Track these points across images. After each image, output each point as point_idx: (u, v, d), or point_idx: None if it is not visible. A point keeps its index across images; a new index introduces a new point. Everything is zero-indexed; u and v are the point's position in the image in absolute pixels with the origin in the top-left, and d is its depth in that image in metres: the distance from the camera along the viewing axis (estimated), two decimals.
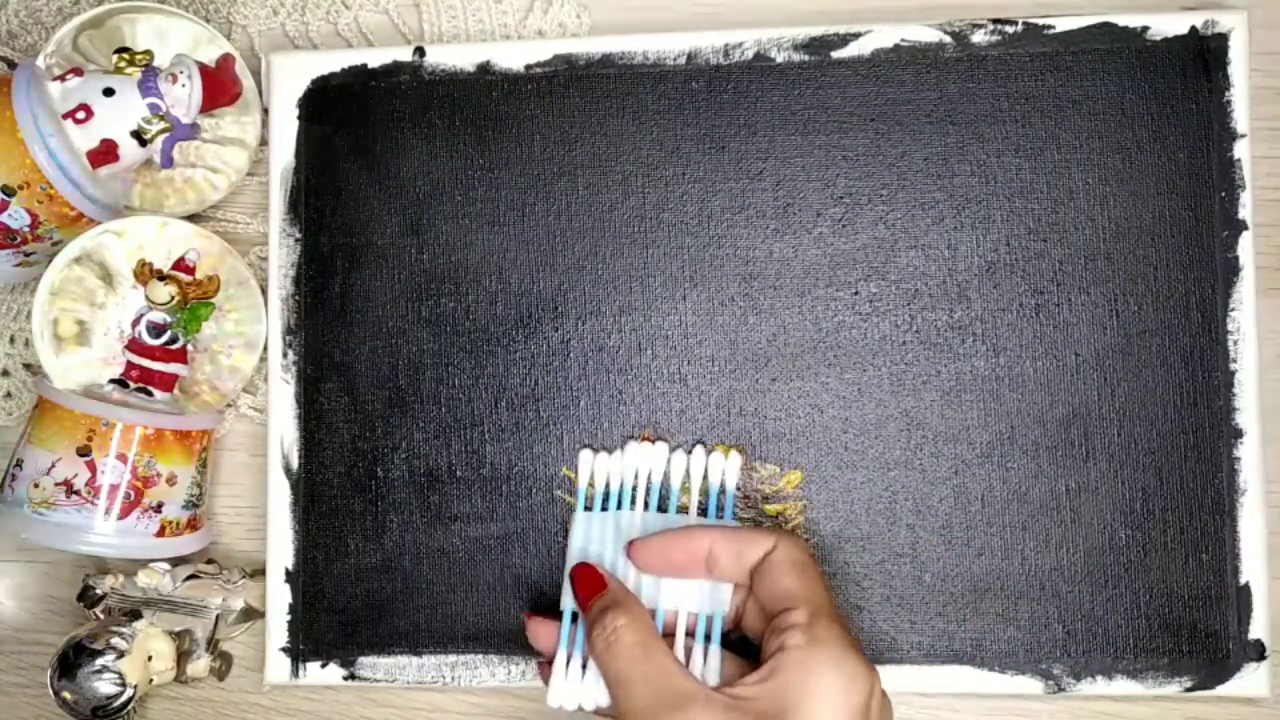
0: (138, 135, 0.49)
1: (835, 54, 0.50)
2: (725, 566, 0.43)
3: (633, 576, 0.45)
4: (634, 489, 0.48)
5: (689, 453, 0.48)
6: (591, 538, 0.47)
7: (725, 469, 0.48)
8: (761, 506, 0.49)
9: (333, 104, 0.52)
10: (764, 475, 0.49)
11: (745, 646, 0.44)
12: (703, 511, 0.47)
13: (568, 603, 0.45)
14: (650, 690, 0.39)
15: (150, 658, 0.50)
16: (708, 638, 0.43)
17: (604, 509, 0.48)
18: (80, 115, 0.48)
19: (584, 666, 0.44)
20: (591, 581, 0.44)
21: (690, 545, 0.43)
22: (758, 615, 0.43)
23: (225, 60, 0.52)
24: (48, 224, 0.49)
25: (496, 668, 0.50)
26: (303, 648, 0.51)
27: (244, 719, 0.54)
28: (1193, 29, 0.48)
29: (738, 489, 0.48)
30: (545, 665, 0.46)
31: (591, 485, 0.49)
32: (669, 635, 0.43)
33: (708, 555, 0.43)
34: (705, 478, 0.48)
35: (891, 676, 0.48)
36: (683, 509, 0.48)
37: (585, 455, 0.49)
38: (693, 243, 0.50)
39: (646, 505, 0.47)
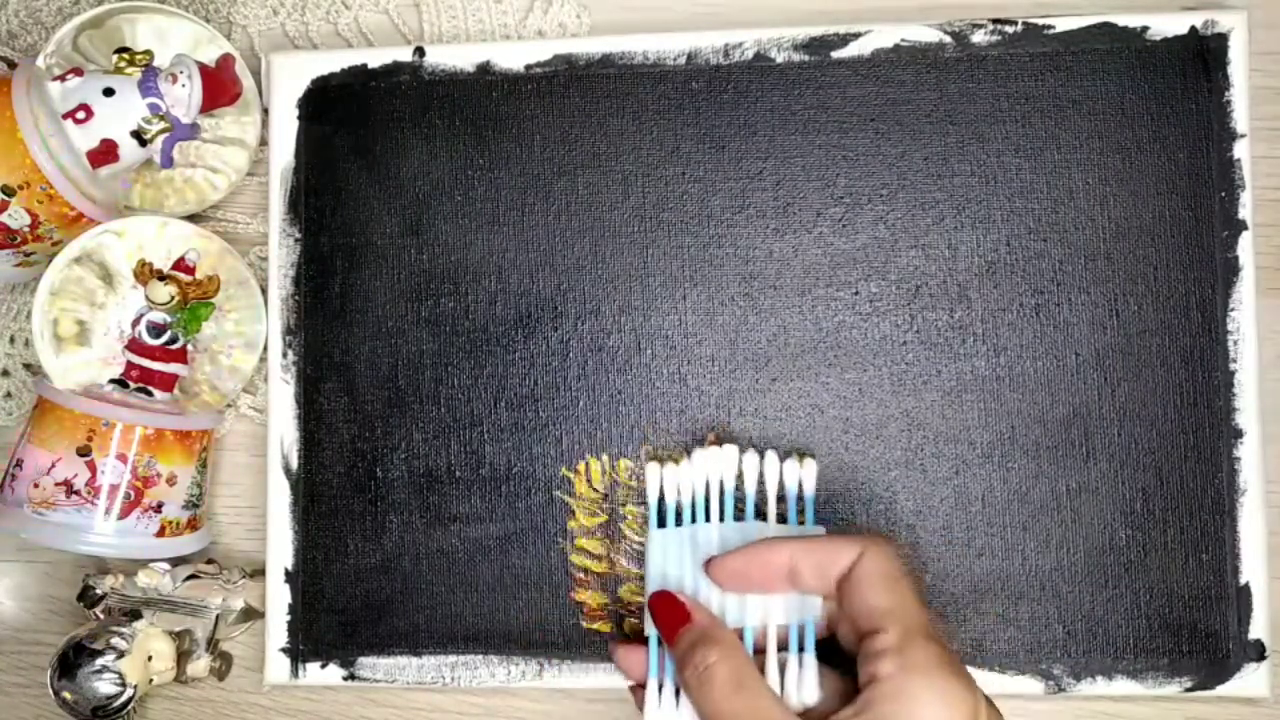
0: (138, 135, 0.49)
1: (835, 54, 0.50)
2: (809, 580, 0.41)
3: (716, 596, 0.43)
4: (707, 499, 0.45)
5: (761, 455, 0.46)
6: (669, 557, 0.44)
7: (802, 474, 0.45)
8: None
9: (333, 104, 0.52)
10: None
11: (841, 654, 0.42)
12: (781, 518, 0.45)
13: (653, 628, 0.43)
14: None
15: (150, 658, 0.50)
16: (801, 648, 0.41)
17: (678, 523, 0.45)
18: (80, 115, 0.48)
19: (677, 694, 0.42)
20: (674, 612, 0.42)
21: (770, 560, 0.41)
22: (850, 628, 0.40)
23: (225, 60, 0.52)
24: (48, 224, 0.49)
25: (496, 668, 0.50)
26: (302, 648, 0.51)
27: (244, 719, 0.54)
28: (1192, 29, 0.48)
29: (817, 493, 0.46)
30: (637, 689, 0.44)
31: (662, 499, 0.46)
32: (759, 652, 0.42)
33: (789, 569, 0.41)
34: (781, 482, 0.45)
35: None
36: (760, 515, 0.45)
37: (653, 469, 0.46)
38: (693, 242, 0.50)
39: (722, 515, 0.45)
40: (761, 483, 0.46)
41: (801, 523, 0.45)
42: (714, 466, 0.46)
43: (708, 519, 0.45)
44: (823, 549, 0.40)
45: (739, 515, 0.45)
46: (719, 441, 0.48)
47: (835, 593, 0.40)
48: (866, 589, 0.39)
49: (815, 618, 0.42)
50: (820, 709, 0.40)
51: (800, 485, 0.45)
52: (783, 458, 0.46)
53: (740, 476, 0.46)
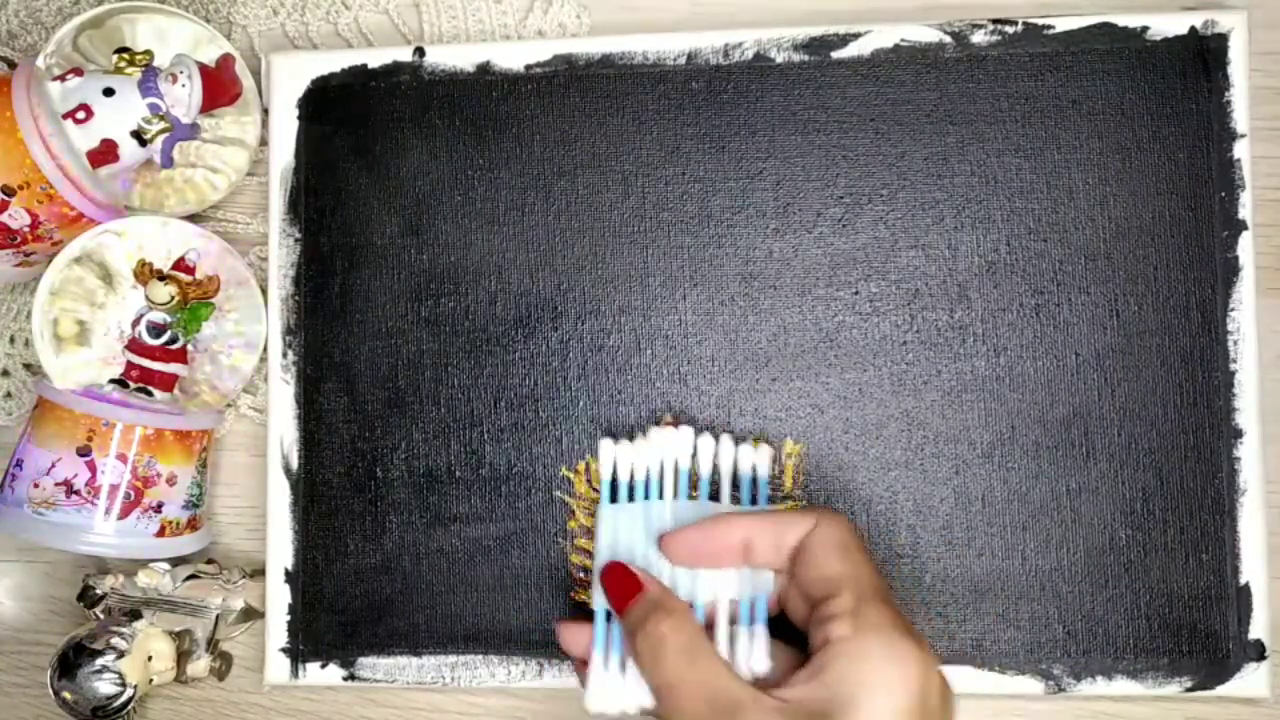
0: (138, 135, 0.49)
1: (835, 54, 0.50)
2: (763, 554, 0.41)
3: (667, 570, 0.43)
4: (661, 477, 0.46)
5: (716, 438, 0.46)
6: (620, 532, 0.44)
7: (756, 459, 0.46)
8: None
9: (333, 104, 0.52)
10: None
11: (790, 629, 0.42)
12: (736, 501, 0.46)
13: (600, 602, 0.43)
14: (699, 697, 0.37)
15: (150, 658, 0.50)
16: (751, 621, 0.41)
17: (631, 499, 0.45)
18: (80, 115, 0.48)
19: (622, 666, 0.42)
20: (626, 583, 0.42)
21: (725, 535, 0.41)
22: (801, 601, 0.40)
23: (225, 60, 0.52)
24: (48, 224, 0.49)
25: (496, 668, 0.50)
26: (302, 648, 0.51)
27: (244, 719, 0.54)
28: (1192, 29, 0.48)
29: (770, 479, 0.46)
30: (582, 664, 0.44)
31: (615, 475, 0.46)
32: (710, 626, 0.42)
33: (743, 544, 0.41)
34: (735, 464, 0.46)
35: None
36: (714, 497, 0.46)
37: (606, 444, 0.46)
38: (692, 242, 0.50)
39: (676, 493, 0.45)
40: (716, 465, 0.46)
41: (755, 504, 0.45)
42: (669, 446, 0.46)
43: (661, 497, 0.45)
44: (777, 522, 0.41)
45: (693, 495, 0.46)
46: (675, 423, 0.48)
47: (789, 565, 0.41)
48: (820, 557, 0.39)
49: (767, 592, 0.42)
50: (771, 679, 0.40)
51: (754, 469, 0.46)
52: (738, 443, 0.46)
53: (695, 457, 0.46)
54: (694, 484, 0.46)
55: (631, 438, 0.47)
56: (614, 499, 0.46)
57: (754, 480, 0.46)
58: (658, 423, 0.49)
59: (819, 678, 0.36)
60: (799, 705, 0.36)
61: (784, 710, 0.36)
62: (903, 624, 0.37)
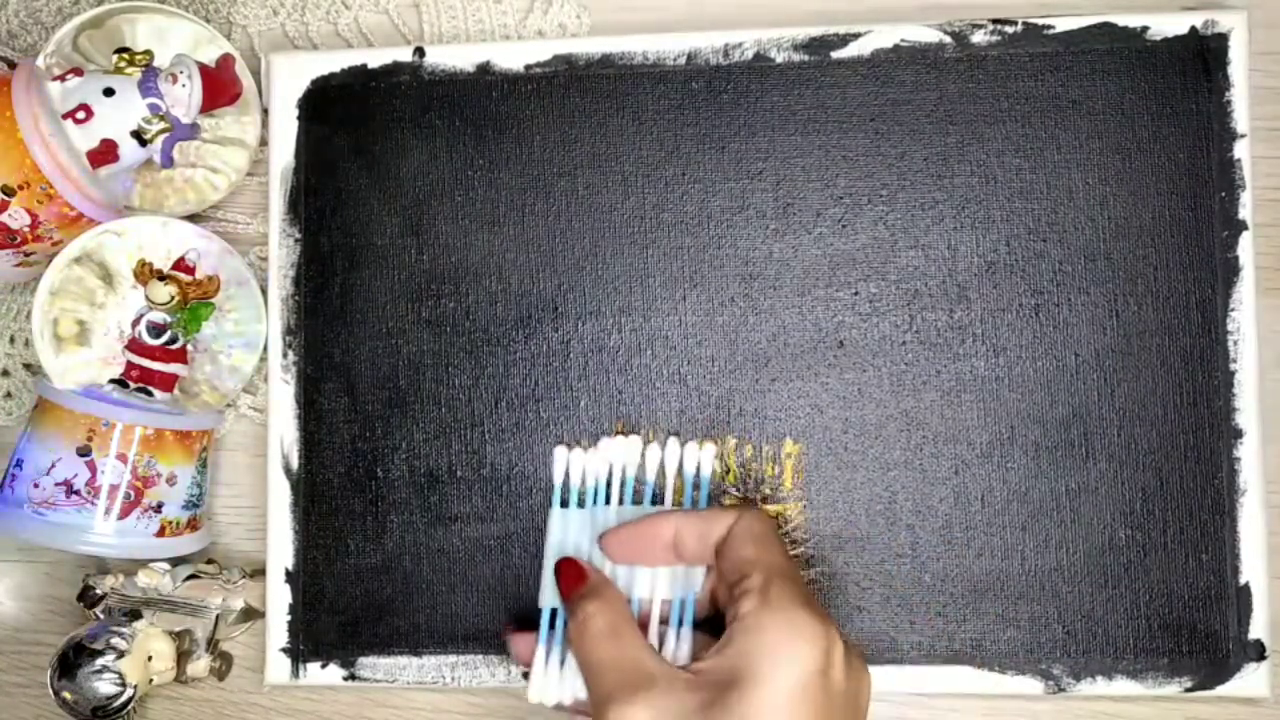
0: (138, 135, 0.49)
1: (835, 54, 0.50)
2: (691, 549, 0.43)
3: (608, 570, 0.45)
4: (609, 484, 0.48)
5: (663, 446, 0.49)
6: (569, 534, 0.47)
7: (700, 458, 0.48)
8: (761, 508, 0.49)
9: (333, 104, 0.52)
10: (757, 454, 0.49)
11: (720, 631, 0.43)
12: (682, 504, 0.48)
13: (546, 600, 0.46)
14: (618, 673, 0.39)
15: (150, 658, 0.50)
16: (681, 621, 0.44)
17: (580, 505, 0.48)
18: (80, 115, 0.48)
19: (563, 662, 0.44)
20: (574, 575, 0.44)
21: (655, 531, 0.44)
22: (724, 591, 0.42)
23: (225, 60, 0.52)
24: (48, 224, 0.49)
25: (496, 668, 0.50)
26: (303, 648, 0.51)
27: (244, 719, 0.54)
28: (1192, 29, 0.48)
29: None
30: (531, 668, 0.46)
31: (567, 481, 0.49)
32: (645, 624, 0.44)
33: (674, 540, 0.43)
34: (680, 469, 0.48)
35: (891, 676, 0.48)
36: (658, 500, 0.48)
37: (560, 452, 0.49)
38: (693, 243, 0.50)
39: (621, 499, 0.48)
40: (663, 470, 0.48)
41: (696, 503, 0.48)
42: (618, 454, 0.48)
43: (609, 502, 0.48)
44: (704, 518, 0.43)
45: (637, 500, 0.48)
46: (624, 431, 0.50)
47: (714, 558, 0.43)
48: (738, 545, 0.41)
49: (696, 591, 0.44)
50: None
51: (698, 468, 0.48)
52: (684, 443, 0.48)
53: (642, 465, 0.48)
54: (639, 489, 0.48)
55: (585, 447, 0.49)
56: (564, 505, 0.48)
57: (695, 486, 0.48)
58: (607, 433, 0.50)
59: (725, 650, 0.38)
60: (705, 675, 0.38)
61: (691, 683, 0.38)
62: (805, 599, 0.39)
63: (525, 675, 0.46)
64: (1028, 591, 0.48)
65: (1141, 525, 0.48)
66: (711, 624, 0.43)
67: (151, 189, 0.54)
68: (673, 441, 0.49)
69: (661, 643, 0.43)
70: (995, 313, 0.48)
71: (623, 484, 0.48)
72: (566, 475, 0.49)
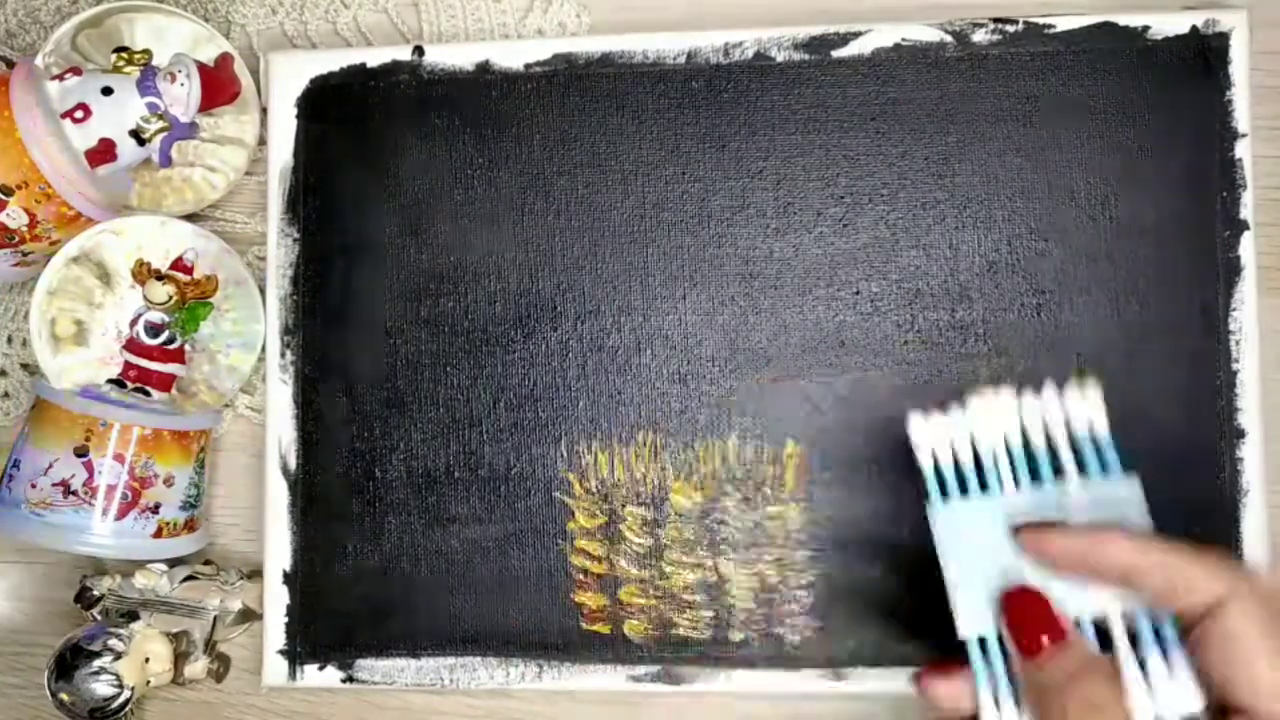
0: (136, 134, 0.49)
1: (836, 53, 0.49)
2: (1149, 594, 0.34)
3: (1034, 579, 0.37)
4: (995, 461, 0.39)
5: (1039, 396, 0.39)
6: (965, 538, 0.37)
7: (1089, 408, 0.38)
8: (764, 509, 0.48)
9: (331, 103, 0.52)
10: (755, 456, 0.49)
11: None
12: (1082, 468, 0.39)
13: (969, 626, 0.37)
14: None
15: (147, 659, 0.50)
16: (1160, 644, 0.35)
17: (963, 492, 0.39)
18: (79, 114, 0.48)
19: (1017, 703, 0.36)
20: (1045, 623, 0.35)
21: (1100, 558, 0.35)
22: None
23: (224, 59, 0.52)
24: (46, 223, 0.48)
25: (495, 670, 0.50)
26: (300, 650, 0.51)
27: None
28: (1194, 28, 0.48)
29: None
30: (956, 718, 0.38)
31: (938, 467, 0.39)
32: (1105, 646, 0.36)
33: (1124, 575, 0.34)
34: (1068, 424, 0.38)
35: (894, 680, 0.47)
36: (1057, 470, 0.39)
37: (917, 423, 0.39)
38: (693, 242, 0.50)
39: (1017, 481, 0.38)
40: (1048, 433, 0.39)
41: (1105, 473, 0.38)
42: (992, 418, 0.39)
43: (1002, 488, 0.38)
44: (1177, 570, 0.33)
45: (1034, 477, 0.39)
46: (990, 393, 0.40)
47: (1185, 621, 0.34)
48: (1244, 656, 0.31)
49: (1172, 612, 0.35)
50: None
51: (1091, 425, 0.38)
52: (1060, 388, 0.39)
53: (1024, 430, 0.39)
54: (1034, 467, 0.39)
55: (946, 411, 0.40)
56: (944, 493, 0.39)
57: (1093, 440, 0.38)
58: (973, 392, 0.40)
59: None
60: None
61: None
62: None
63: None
64: None
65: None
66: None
67: (150, 188, 0.54)
68: (1047, 392, 0.39)
69: (1145, 673, 0.34)
70: (997, 312, 0.48)
71: (1013, 464, 0.38)
72: (935, 460, 0.39)
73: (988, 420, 0.39)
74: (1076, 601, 0.36)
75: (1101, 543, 0.35)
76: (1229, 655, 0.32)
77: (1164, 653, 0.35)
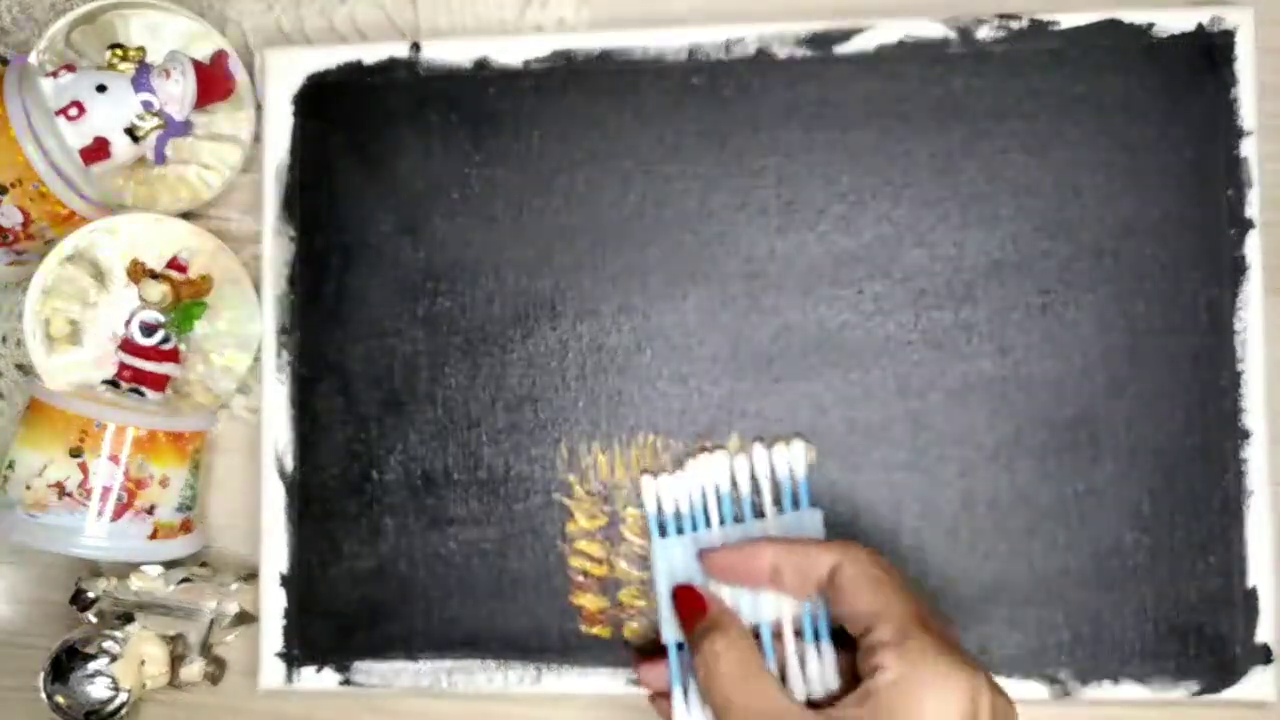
0: (131, 132, 0.49)
1: (839, 49, 0.49)
2: (791, 584, 0.42)
3: (728, 593, 0.44)
4: (705, 506, 0.47)
5: (749, 454, 0.47)
6: (675, 564, 0.45)
7: (790, 458, 0.47)
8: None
9: (328, 100, 0.51)
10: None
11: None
12: (781, 506, 0.47)
13: (669, 634, 0.45)
14: (750, 715, 0.38)
15: (143, 662, 0.50)
16: (816, 633, 0.42)
17: (680, 531, 0.46)
18: (73, 112, 0.48)
19: (702, 699, 0.43)
20: (692, 603, 0.43)
21: (754, 560, 0.43)
22: (854, 633, 0.41)
23: (219, 56, 0.51)
24: (40, 222, 0.48)
25: (493, 672, 0.49)
26: (297, 652, 0.50)
27: None
28: (1199, 25, 0.48)
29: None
30: (662, 698, 0.45)
31: (660, 510, 0.47)
32: (778, 638, 0.43)
33: (772, 569, 0.42)
34: (773, 471, 0.47)
35: None
36: (759, 514, 0.47)
37: (648, 481, 0.47)
38: (694, 240, 0.49)
39: (722, 519, 0.46)
40: (755, 479, 0.47)
41: (797, 508, 0.46)
42: (707, 473, 0.47)
43: (709, 525, 0.46)
44: (800, 553, 0.42)
45: (738, 518, 0.46)
46: (709, 448, 0.48)
47: (819, 597, 0.42)
48: (851, 595, 0.39)
49: (826, 607, 0.42)
50: (829, 695, 0.41)
51: (791, 470, 0.47)
52: (770, 445, 0.47)
53: (734, 479, 0.47)
54: (738, 506, 0.47)
55: (672, 470, 0.48)
56: (663, 534, 0.47)
57: (794, 495, 0.46)
58: (691, 454, 0.49)
59: (866, 703, 0.37)
60: None
61: None
62: (946, 648, 0.37)
63: (652, 699, 0.45)
64: (1034, 595, 0.47)
65: (1148, 528, 0.47)
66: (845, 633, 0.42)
67: (144, 186, 0.53)
68: (758, 448, 0.47)
69: (803, 662, 0.42)
70: (1001, 311, 0.48)
71: (720, 503, 0.46)
72: (659, 504, 0.47)
73: (703, 475, 0.47)
74: (760, 610, 0.43)
75: (753, 551, 0.43)
76: (844, 598, 0.39)
77: (818, 642, 0.42)
